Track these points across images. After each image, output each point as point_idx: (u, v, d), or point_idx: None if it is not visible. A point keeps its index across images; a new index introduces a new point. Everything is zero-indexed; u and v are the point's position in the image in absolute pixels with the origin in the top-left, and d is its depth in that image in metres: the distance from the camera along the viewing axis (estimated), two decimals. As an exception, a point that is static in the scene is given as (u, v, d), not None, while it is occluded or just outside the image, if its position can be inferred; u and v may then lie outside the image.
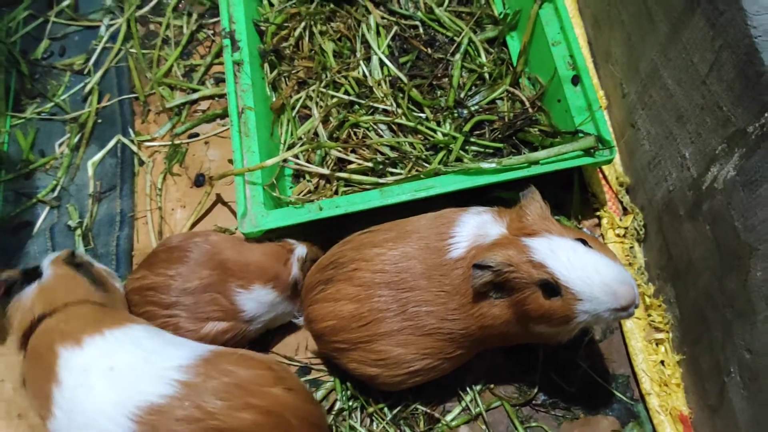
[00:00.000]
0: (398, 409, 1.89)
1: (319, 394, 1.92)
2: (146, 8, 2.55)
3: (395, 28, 2.24)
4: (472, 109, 2.10)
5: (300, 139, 2.10)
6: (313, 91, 2.14)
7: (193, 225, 2.17)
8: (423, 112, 2.10)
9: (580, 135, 1.91)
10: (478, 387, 1.93)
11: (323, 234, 1.98)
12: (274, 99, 2.16)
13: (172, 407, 1.51)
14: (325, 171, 1.99)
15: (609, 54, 2.15)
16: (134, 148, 2.28)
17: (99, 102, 2.38)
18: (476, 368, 1.93)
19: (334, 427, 1.88)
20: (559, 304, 1.52)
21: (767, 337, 1.48)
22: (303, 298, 1.87)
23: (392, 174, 1.98)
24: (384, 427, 1.87)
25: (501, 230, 1.65)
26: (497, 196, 2.00)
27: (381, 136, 2.05)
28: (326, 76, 2.16)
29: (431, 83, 2.15)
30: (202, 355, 1.61)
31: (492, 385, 1.94)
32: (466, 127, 2.03)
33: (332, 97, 2.13)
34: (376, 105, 2.09)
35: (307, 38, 2.25)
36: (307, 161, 2.05)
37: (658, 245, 1.95)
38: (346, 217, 1.88)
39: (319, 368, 1.98)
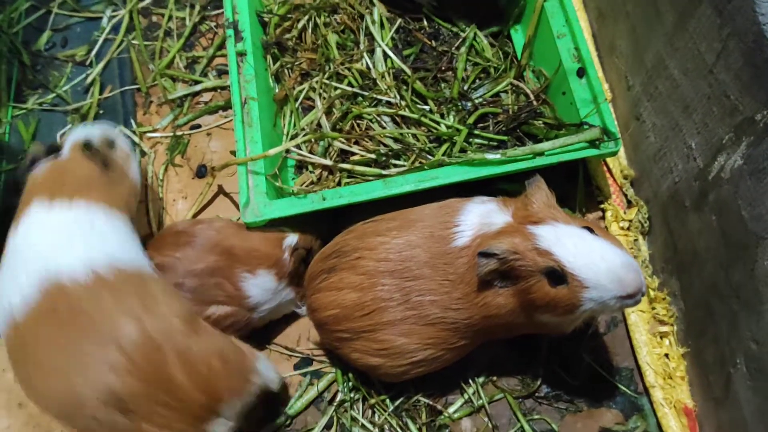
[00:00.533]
0: (400, 400, 1.89)
1: (320, 386, 1.92)
2: (148, 0, 2.54)
3: (399, 20, 2.23)
4: (476, 101, 2.09)
5: (303, 129, 2.09)
6: (317, 82, 2.14)
7: (195, 216, 2.16)
8: (427, 104, 2.09)
9: (585, 127, 1.90)
10: (481, 379, 1.92)
11: (326, 226, 1.98)
12: (277, 90, 2.16)
13: (76, 292, 1.53)
14: (328, 162, 1.98)
15: (613, 46, 2.14)
16: (136, 139, 2.27)
17: (101, 93, 2.38)
18: (479, 360, 1.92)
19: (335, 419, 1.88)
20: (564, 292, 1.51)
21: (774, 328, 1.48)
22: (306, 287, 1.86)
23: (395, 166, 1.97)
24: (386, 418, 1.86)
25: (506, 219, 1.64)
26: (501, 188, 1.99)
27: (384, 128, 2.05)
28: (329, 68, 2.15)
29: (435, 76, 2.15)
30: (136, 268, 1.66)
31: (495, 378, 1.93)
32: (470, 120, 2.03)
33: (335, 88, 2.12)
34: (379, 97, 2.08)
35: (310, 30, 2.24)
36: (310, 152, 2.04)
37: (663, 238, 1.94)
38: (349, 209, 1.87)
39: (321, 359, 1.97)
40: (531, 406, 1.91)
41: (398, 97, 2.08)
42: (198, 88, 2.36)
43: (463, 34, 2.21)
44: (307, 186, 2.00)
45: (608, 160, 2.13)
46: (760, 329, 1.51)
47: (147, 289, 1.61)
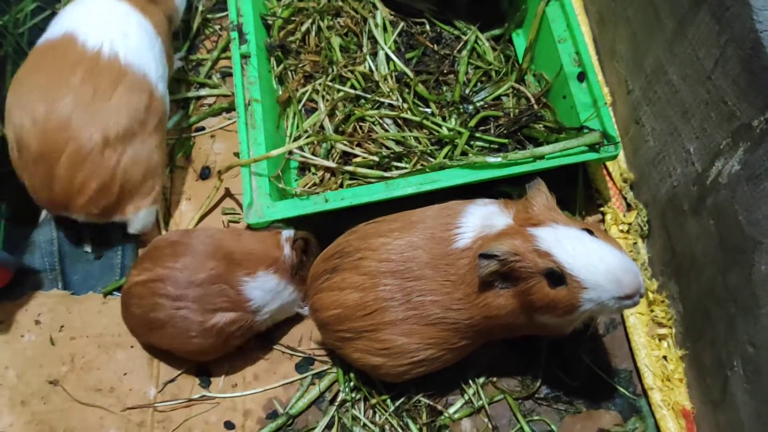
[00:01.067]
0: (401, 401, 1.90)
1: (322, 385, 1.93)
2: (153, 2, 2.55)
3: (402, 24, 2.25)
4: (478, 104, 2.11)
5: (306, 131, 2.11)
6: (320, 84, 2.16)
7: (201, 218, 2.18)
8: (429, 107, 2.11)
9: (585, 131, 1.92)
10: (481, 380, 1.93)
11: (328, 228, 1.99)
12: (280, 92, 2.18)
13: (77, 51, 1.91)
14: (331, 164, 2.00)
15: (614, 51, 2.16)
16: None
17: (106, 94, 2.38)
18: (479, 361, 1.93)
19: (336, 418, 1.89)
20: (564, 293, 1.53)
21: (770, 331, 1.49)
22: (308, 287, 1.87)
23: (397, 168, 1.99)
24: (387, 418, 1.88)
25: (507, 221, 1.66)
26: (502, 191, 2.00)
27: (386, 131, 2.06)
28: (333, 70, 2.17)
29: (437, 79, 2.17)
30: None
31: (495, 379, 1.94)
32: (472, 123, 2.04)
33: (338, 90, 2.14)
34: (382, 99, 2.10)
35: (313, 33, 2.26)
36: (313, 154, 2.06)
37: (662, 241, 1.95)
38: (351, 211, 1.89)
39: (323, 359, 1.98)
40: (531, 407, 1.92)
41: (400, 99, 2.09)
42: (203, 93, 2.37)
43: (464, 37, 2.22)
44: (309, 188, 2.02)
45: (608, 163, 2.15)
46: (757, 332, 1.53)
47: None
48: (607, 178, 2.15)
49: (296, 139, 2.10)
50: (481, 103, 2.12)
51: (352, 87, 2.15)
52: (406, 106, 2.08)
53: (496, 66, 2.20)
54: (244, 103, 2.02)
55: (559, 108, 2.07)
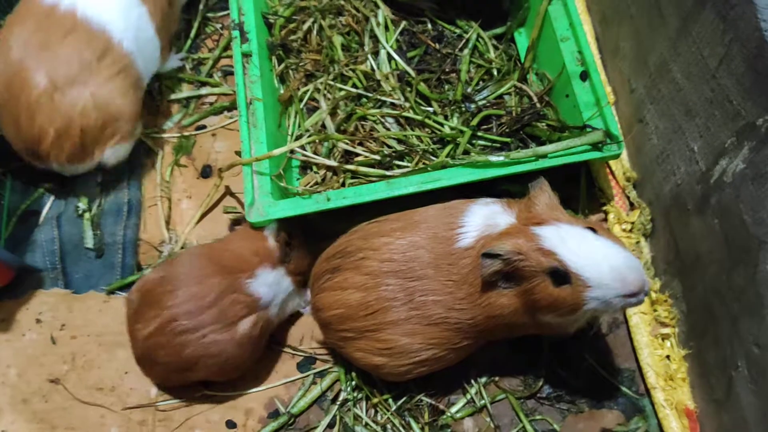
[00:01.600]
0: (403, 400, 1.90)
1: (323, 385, 1.93)
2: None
3: (403, 23, 2.25)
4: (480, 103, 2.11)
5: (307, 130, 2.10)
6: (321, 83, 2.15)
7: (202, 216, 2.18)
8: (431, 105, 2.11)
9: (588, 130, 1.91)
10: (483, 379, 1.93)
11: (329, 227, 1.99)
12: (281, 91, 2.17)
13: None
14: (333, 163, 1.99)
15: (617, 49, 2.16)
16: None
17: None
18: (481, 361, 1.93)
19: (338, 417, 1.89)
20: (568, 292, 1.52)
21: (775, 331, 1.49)
22: (310, 287, 1.88)
23: (399, 167, 1.99)
24: (388, 417, 1.88)
25: (510, 220, 1.66)
26: (505, 190, 2.00)
27: (388, 129, 2.06)
28: (334, 69, 2.17)
29: (439, 78, 2.16)
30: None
31: (497, 378, 1.94)
32: (474, 121, 2.04)
33: (340, 89, 2.14)
34: (383, 98, 2.10)
35: (315, 31, 2.26)
36: (315, 153, 2.06)
37: (665, 240, 1.95)
38: (352, 210, 1.89)
39: (324, 358, 1.98)
40: (533, 407, 1.92)
41: (402, 98, 2.09)
42: (204, 92, 2.37)
43: (466, 36, 2.22)
44: (311, 186, 2.01)
45: (611, 162, 2.14)
46: (762, 333, 1.52)
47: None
48: (610, 176, 2.14)
49: (298, 138, 2.10)
50: (484, 101, 2.12)
51: (354, 86, 2.15)
52: (407, 104, 2.07)
53: (498, 64, 2.20)
54: (245, 101, 2.01)
55: (562, 107, 2.07)
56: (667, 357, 1.92)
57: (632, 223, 2.07)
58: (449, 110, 2.09)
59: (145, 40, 2.13)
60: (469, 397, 1.92)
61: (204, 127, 2.33)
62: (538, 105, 2.09)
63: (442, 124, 2.05)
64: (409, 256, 1.70)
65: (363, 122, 2.10)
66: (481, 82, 2.18)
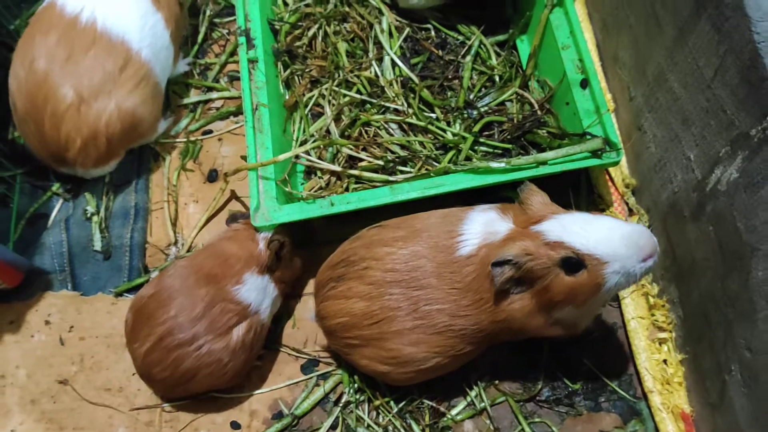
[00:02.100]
0: (404, 402, 1.92)
1: (326, 387, 1.95)
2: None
3: (407, 29, 2.28)
4: (482, 110, 2.14)
5: (312, 136, 2.13)
6: (326, 89, 2.18)
7: (208, 220, 2.21)
8: (433, 112, 2.14)
9: (588, 137, 1.94)
10: (483, 383, 1.96)
11: (333, 233, 2.02)
12: (287, 97, 2.20)
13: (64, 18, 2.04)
14: (337, 168, 2.02)
15: (617, 58, 2.18)
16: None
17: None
18: (481, 364, 1.95)
19: (341, 419, 1.92)
20: (585, 277, 1.54)
21: (767, 336, 1.51)
22: (314, 295, 1.90)
23: (402, 172, 2.01)
24: (390, 419, 1.90)
25: (508, 225, 1.67)
26: (506, 196, 2.02)
27: (392, 135, 2.09)
28: (339, 75, 2.20)
29: (442, 84, 2.19)
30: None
31: (497, 381, 1.96)
32: (476, 128, 2.07)
33: (344, 95, 2.16)
34: (387, 104, 2.12)
35: (320, 38, 2.29)
36: (319, 158, 2.08)
37: (663, 246, 1.97)
38: (356, 215, 1.92)
39: (327, 360, 2.01)
40: (532, 410, 1.94)
41: (406, 104, 2.12)
42: (215, 96, 2.40)
43: (469, 43, 2.25)
44: (315, 191, 2.04)
45: (611, 169, 2.17)
46: (754, 338, 1.55)
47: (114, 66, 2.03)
48: (610, 183, 2.17)
49: (303, 143, 2.13)
50: (486, 108, 2.14)
51: (358, 92, 2.17)
52: (411, 111, 2.10)
53: (500, 71, 2.23)
54: (251, 107, 2.04)
55: (563, 114, 2.10)
56: (664, 361, 1.94)
57: (631, 229, 2.09)
58: (452, 116, 2.11)
59: (161, 48, 2.17)
60: (469, 399, 1.94)
61: (210, 131, 2.36)
62: (539, 112, 2.12)
63: (444, 131, 2.08)
64: (412, 266, 1.71)
65: (367, 128, 2.12)
66: (483, 89, 2.20)
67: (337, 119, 2.14)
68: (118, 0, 2.07)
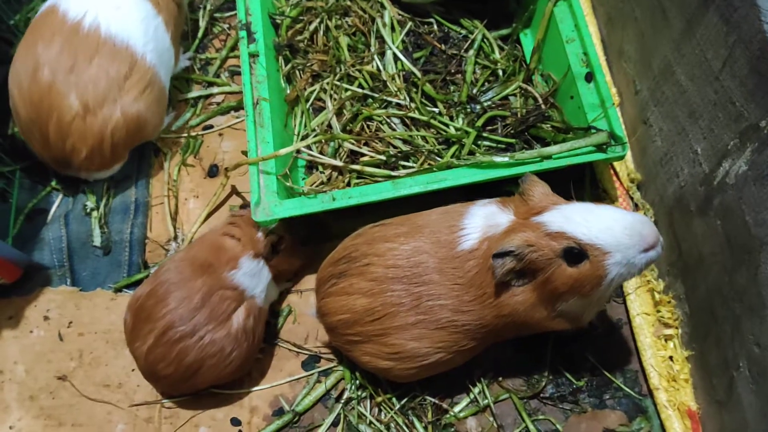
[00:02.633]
0: (406, 399, 1.91)
1: (328, 383, 1.94)
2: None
3: (409, 23, 2.26)
4: (485, 104, 2.12)
5: (314, 130, 2.12)
6: (327, 83, 2.16)
7: (209, 215, 2.20)
8: (436, 106, 2.12)
9: (593, 131, 1.92)
10: (487, 379, 1.94)
11: (339, 226, 2.00)
12: (288, 91, 2.18)
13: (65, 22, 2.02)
14: (338, 163, 2.01)
15: (622, 51, 2.16)
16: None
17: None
18: (485, 361, 1.94)
19: (342, 416, 1.90)
20: (587, 267, 1.53)
21: (776, 332, 1.49)
22: (315, 291, 1.88)
23: (405, 167, 2.00)
24: (392, 416, 1.89)
25: (509, 218, 1.65)
26: (509, 191, 2.01)
27: (394, 130, 2.07)
28: (340, 70, 2.18)
29: (444, 78, 2.17)
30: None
31: (500, 378, 1.95)
32: (479, 122, 2.05)
33: (346, 90, 2.15)
34: (389, 99, 2.11)
35: (321, 32, 2.27)
36: (321, 153, 2.07)
37: (668, 241, 1.95)
38: (358, 210, 1.90)
39: (329, 357, 1.99)
40: (536, 407, 1.92)
41: (408, 99, 2.10)
42: (216, 90, 2.39)
43: (472, 37, 2.23)
44: (317, 186, 2.03)
45: (616, 163, 2.15)
46: (763, 333, 1.53)
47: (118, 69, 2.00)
48: (615, 178, 2.15)
49: (304, 137, 2.11)
50: (489, 102, 2.13)
51: (360, 86, 2.16)
52: (413, 105, 2.08)
53: (504, 66, 2.21)
54: (252, 101, 2.02)
55: (567, 108, 2.08)
56: (670, 358, 1.92)
57: (636, 224, 2.07)
58: (454, 111, 2.10)
59: (163, 50, 2.15)
60: (472, 396, 1.93)
61: (211, 126, 2.35)
62: (543, 106, 2.10)
63: (447, 125, 2.06)
64: (414, 262, 1.69)
65: (369, 122, 2.11)
66: (486, 83, 2.19)
67: (338, 114, 2.12)
68: (120, 4, 2.05)
